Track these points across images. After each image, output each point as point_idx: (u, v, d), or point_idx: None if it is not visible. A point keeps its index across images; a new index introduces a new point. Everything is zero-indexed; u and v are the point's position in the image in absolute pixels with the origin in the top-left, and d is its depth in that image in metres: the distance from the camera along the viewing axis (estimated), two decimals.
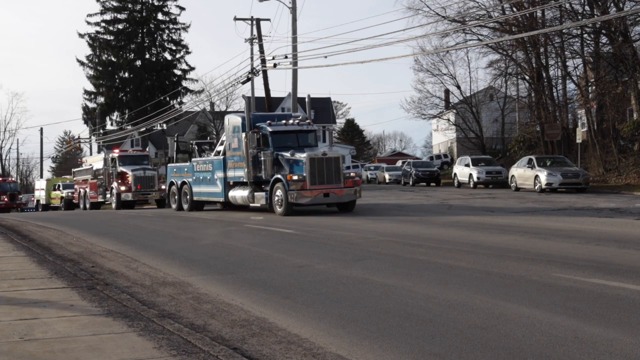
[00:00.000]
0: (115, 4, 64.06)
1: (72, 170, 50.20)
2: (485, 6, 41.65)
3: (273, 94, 40.07)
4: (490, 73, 53.58)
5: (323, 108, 79.68)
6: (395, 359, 5.89)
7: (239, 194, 23.91)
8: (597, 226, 15.75)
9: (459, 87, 56.69)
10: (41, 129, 76.75)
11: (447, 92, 58.99)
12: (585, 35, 40.18)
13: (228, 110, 61.69)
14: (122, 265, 11.95)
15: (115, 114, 65.86)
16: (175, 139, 32.57)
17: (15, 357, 5.95)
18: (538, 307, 7.39)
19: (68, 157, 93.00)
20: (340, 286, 9.11)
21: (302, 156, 21.44)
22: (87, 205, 42.54)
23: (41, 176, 75.69)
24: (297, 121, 23.60)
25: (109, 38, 64.51)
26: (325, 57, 30.60)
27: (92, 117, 64.96)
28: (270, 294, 8.75)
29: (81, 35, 63.88)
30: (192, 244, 15.13)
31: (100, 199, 41.01)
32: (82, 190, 43.94)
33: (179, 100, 64.39)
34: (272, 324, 7.23)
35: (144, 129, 57.87)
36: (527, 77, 44.57)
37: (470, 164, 39.99)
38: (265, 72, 37.95)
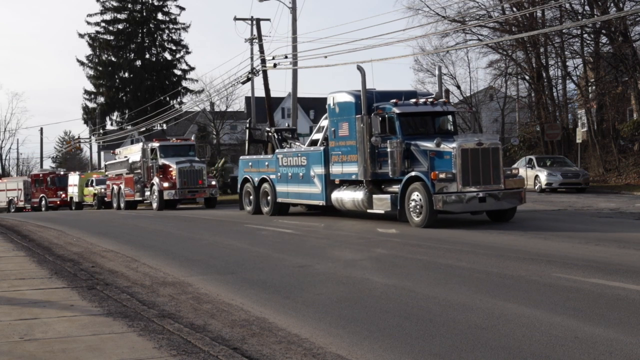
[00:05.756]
0: (115, 4, 64.13)
1: (105, 163, 43.01)
2: (485, 6, 41.64)
3: (273, 94, 39.96)
4: (490, 73, 53.52)
5: (323, 108, 79.57)
6: (395, 359, 5.89)
7: (348, 196, 18.49)
8: (597, 226, 15.75)
9: (459, 87, 56.60)
10: (41, 129, 76.66)
11: (447, 92, 58.95)
12: (585, 35, 40.16)
13: (228, 110, 61.56)
14: (122, 265, 11.95)
15: (115, 114, 65.94)
16: (248, 124, 26.89)
17: (15, 357, 5.95)
18: (538, 307, 7.39)
19: (68, 157, 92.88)
20: (340, 286, 9.12)
21: (451, 146, 16.04)
22: (122, 205, 36.16)
23: None
24: (430, 100, 18.06)
25: (109, 38, 64.57)
26: (325, 57, 30.38)
27: (92, 117, 64.97)
28: (270, 294, 8.75)
29: (81, 35, 63.99)
30: (192, 244, 15.13)
31: (137, 197, 34.73)
32: (115, 186, 37.39)
33: (179, 100, 64.46)
34: (272, 324, 7.23)
35: (144, 129, 57.81)
36: (527, 77, 44.56)
37: None
38: (265, 72, 37.91)
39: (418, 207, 16.19)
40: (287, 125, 30.60)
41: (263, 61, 37.85)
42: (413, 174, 16.38)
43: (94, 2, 74.64)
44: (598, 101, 39.87)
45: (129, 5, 64.33)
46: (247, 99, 64.60)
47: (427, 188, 15.87)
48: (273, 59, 36.93)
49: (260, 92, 43.75)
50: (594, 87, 40.38)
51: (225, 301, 8.45)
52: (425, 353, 5.97)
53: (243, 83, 41.31)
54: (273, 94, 39.87)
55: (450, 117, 18.38)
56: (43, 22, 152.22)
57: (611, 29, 37.31)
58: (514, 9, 38.90)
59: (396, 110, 17.37)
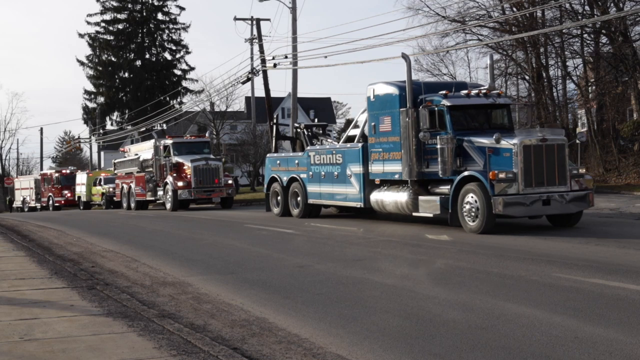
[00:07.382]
0: (115, 4, 64.18)
1: (113, 161, 40.84)
2: (485, 6, 41.60)
3: (273, 94, 40.00)
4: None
5: (323, 108, 79.79)
6: (395, 359, 5.89)
7: (389, 198, 16.93)
8: (597, 226, 15.74)
9: None
10: (41, 129, 76.67)
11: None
12: (585, 35, 40.14)
13: (228, 110, 61.54)
14: (122, 265, 11.95)
15: (115, 114, 66.00)
16: (275, 121, 25.44)
17: (15, 357, 5.95)
18: (538, 307, 7.39)
19: (68, 157, 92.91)
20: (340, 286, 9.11)
21: (512, 143, 14.36)
22: (132, 205, 34.32)
23: None
24: (483, 91, 16.39)
25: (109, 38, 64.63)
26: (325, 57, 30.36)
27: (92, 117, 65.00)
28: (270, 294, 8.75)
29: (81, 35, 64.04)
30: (192, 244, 15.12)
31: (149, 197, 32.86)
32: (125, 185, 35.45)
33: (179, 100, 64.51)
34: (272, 324, 7.23)
35: (144, 129, 57.83)
36: (527, 77, 44.57)
37: None
38: (265, 72, 37.91)
39: (473, 210, 14.54)
40: (314, 120, 29.19)
41: (263, 61, 37.86)
42: (467, 173, 14.77)
43: (94, 2, 74.74)
44: (598, 101, 39.85)
45: (129, 5, 64.37)
46: (247, 99, 64.66)
47: (485, 189, 14.26)
48: (273, 59, 36.94)
49: (260, 92, 43.81)
50: (594, 87, 40.38)
51: (225, 301, 8.45)
52: (425, 353, 5.97)
53: (243, 83, 41.35)
54: (273, 94, 39.90)
55: (505, 110, 16.78)
56: (43, 22, 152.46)
57: (611, 29, 37.29)
58: (514, 9, 38.90)
59: (447, 102, 15.75)
